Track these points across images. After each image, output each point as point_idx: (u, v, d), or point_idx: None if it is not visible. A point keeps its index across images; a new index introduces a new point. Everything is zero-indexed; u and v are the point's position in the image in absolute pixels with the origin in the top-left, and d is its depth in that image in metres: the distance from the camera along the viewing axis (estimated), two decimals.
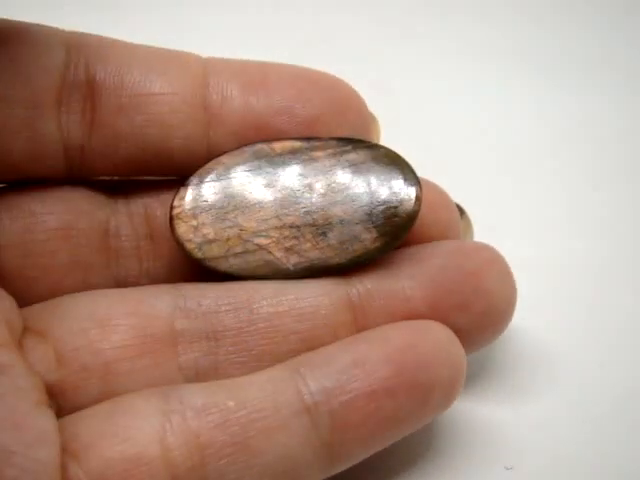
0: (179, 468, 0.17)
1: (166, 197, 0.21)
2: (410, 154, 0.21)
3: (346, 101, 0.21)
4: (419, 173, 0.20)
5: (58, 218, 0.20)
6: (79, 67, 0.20)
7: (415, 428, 0.19)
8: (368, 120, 0.21)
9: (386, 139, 0.22)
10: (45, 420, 0.17)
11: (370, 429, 0.18)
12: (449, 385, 0.19)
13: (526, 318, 0.23)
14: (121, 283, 0.20)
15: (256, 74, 0.21)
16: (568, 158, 0.29)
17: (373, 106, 0.22)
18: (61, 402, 0.18)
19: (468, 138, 0.22)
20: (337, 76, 0.21)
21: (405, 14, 0.34)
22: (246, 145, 0.20)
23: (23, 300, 0.19)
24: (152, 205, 0.21)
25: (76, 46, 0.20)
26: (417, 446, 0.21)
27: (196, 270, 0.20)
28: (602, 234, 0.27)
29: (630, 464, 0.21)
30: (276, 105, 0.20)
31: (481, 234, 0.22)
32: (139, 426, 0.17)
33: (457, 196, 0.22)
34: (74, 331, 0.19)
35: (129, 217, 0.21)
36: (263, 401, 0.18)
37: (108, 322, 0.19)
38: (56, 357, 0.18)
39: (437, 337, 0.19)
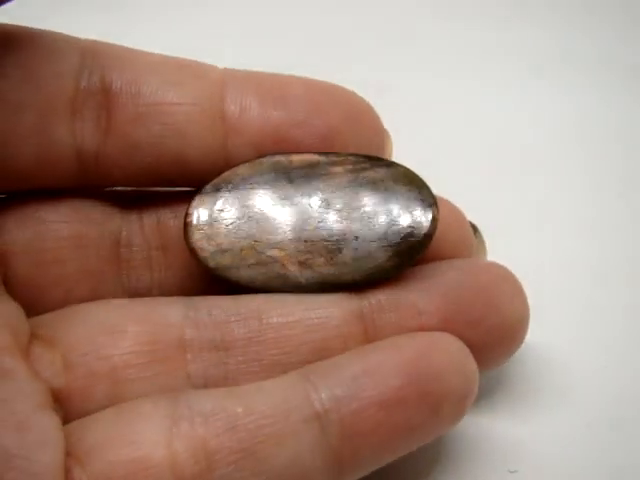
0: (185, 473, 0.17)
1: (180, 209, 0.21)
2: (409, 154, 0.21)
3: (362, 116, 0.21)
4: (420, 173, 0.20)
5: (69, 227, 0.20)
6: (94, 74, 0.20)
7: (426, 440, 0.19)
8: (383, 136, 0.21)
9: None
10: (48, 423, 0.17)
11: (380, 438, 0.18)
12: (460, 396, 0.19)
13: (531, 324, 0.22)
14: (132, 293, 0.20)
15: (274, 86, 0.21)
16: (571, 160, 0.29)
17: (375, 106, 0.21)
18: (68, 408, 0.18)
19: (469, 139, 0.23)
20: (354, 91, 0.21)
21: (405, 15, 0.34)
22: (264, 156, 0.20)
23: (34, 309, 0.20)
24: (165, 216, 0.21)
25: (91, 53, 0.20)
26: (422, 448, 0.20)
27: (208, 281, 0.20)
28: (607, 236, 0.26)
29: (634, 469, 0.21)
30: (294, 118, 0.20)
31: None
32: (145, 430, 0.17)
33: (453, 195, 0.22)
34: (82, 337, 0.19)
35: (141, 228, 0.21)
36: (272, 407, 0.18)
37: (117, 329, 0.19)
38: (63, 363, 0.18)
39: (449, 348, 0.19)
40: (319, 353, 0.19)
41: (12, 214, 0.20)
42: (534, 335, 0.22)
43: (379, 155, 0.21)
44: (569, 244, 0.26)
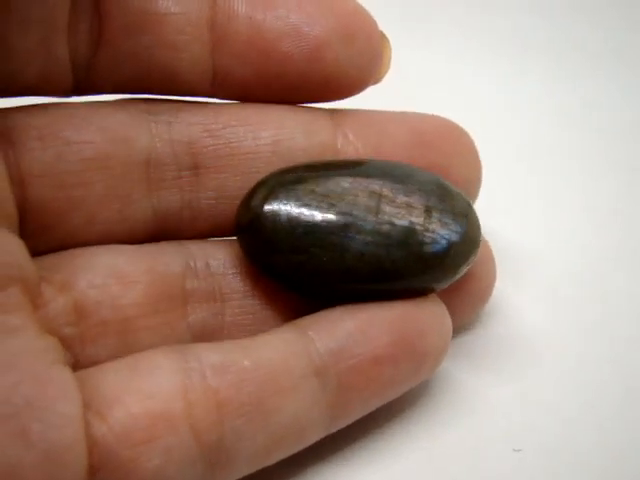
0: (200, 425, 0.17)
1: (213, 126, 0.20)
2: None
3: (355, 24, 0.20)
4: None
5: (94, 147, 0.19)
6: None
7: (404, 391, 0.20)
8: (378, 45, 0.21)
9: None
10: (65, 377, 0.17)
11: (370, 393, 0.19)
12: (439, 351, 0.20)
13: (537, 306, 0.24)
14: (161, 214, 0.20)
15: None
16: (577, 147, 0.29)
17: (387, 92, 0.22)
18: (79, 356, 0.18)
19: (478, 127, 0.22)
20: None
21: (417, 4, 0.34)
22: None
23: (52, 234, 0.19)
24: (196, 135, 0.20)
25: None
26: (422, 426, 0.21)
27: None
28: (610, 223, 0.27)
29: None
30: (282, 27, 0.20)
31: (491, 221, 0.22)
32: (161, 382, 0.17)
33: None
34: (94, 285, 0.19)
35: (171, 145, 0.20)
36: (276, 362, 0.18)
37: (127, 278, 0.19)
38: (76, 310, 0.19)
39: (433, 309, 0.20)
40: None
41: (35, 132, 0.19)
42: (541, 316, 0.24)
43: (376, 64, 0.21)
44: (574, 230, 0.26)
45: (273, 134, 0.20)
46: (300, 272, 0.19)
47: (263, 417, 0.18)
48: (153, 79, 0.20)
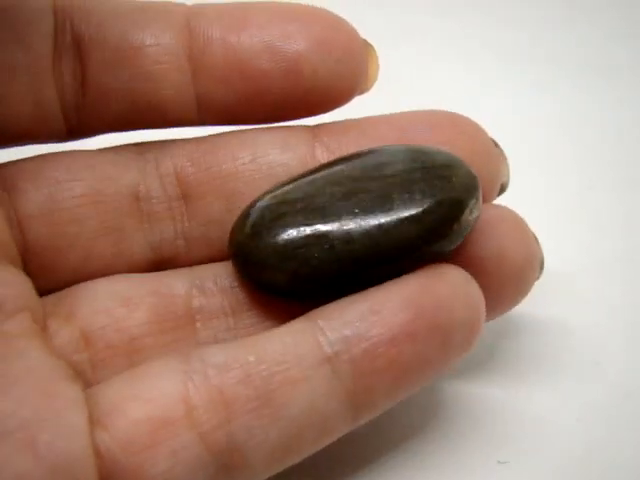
0: (204, 425, 0.17)
1: (195, 154, 0.21)
2: None
3: (332, 35, 0.20)
4: None
5: (84, 185, 0.20)
6: (66, 28, 0.20)
7: (438, 374, 0.19)
8: (360, 54, 0.21)
9: None
10: (72, 391, 0.17)
11: (393, 375, 0.18)
12: (469, 326, 0.18)
13: (537, 310, 0.24)
14: (156, 247, 0.20)
15: (238, 17, 0.20)
16: (564, 157, 0.29)
17: (384, 101, 0.22)
18: (91, 379, 0.19)
19: None
20: (323, 8, 0.21)
21: (405, 12, 0.35)
22: None
23: (54, 272, 0.20)
24: (182, 164, 0.20)
25: (61, 6, 0.20)
26: (407, 439, 0.21)
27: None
28: (599, 232, 0.27)
29: (626, 462, 0.21)
30: (256, 46, 0.20)
31: None
32: (161, 386, 0.17)
33: None
34: (98, 311, 0.19)
35: (159, 178, 0.20)
36: (283, 354, 0.18)
37: (130, 301, 0.19)
38: (82, 337, 0.19)
39: (454, 279, 0.18)
40: None
41: (27, 175, 0.20)
42: (537, 320, 0.24)
43: (360, 73, 0.21)
44: (578, 236, 0.26)
45: (251, 153, 0.20)
46: (298, 279, 0.19)
47: (273, 411, 0.17)
48: (140, 113, 0.20)
